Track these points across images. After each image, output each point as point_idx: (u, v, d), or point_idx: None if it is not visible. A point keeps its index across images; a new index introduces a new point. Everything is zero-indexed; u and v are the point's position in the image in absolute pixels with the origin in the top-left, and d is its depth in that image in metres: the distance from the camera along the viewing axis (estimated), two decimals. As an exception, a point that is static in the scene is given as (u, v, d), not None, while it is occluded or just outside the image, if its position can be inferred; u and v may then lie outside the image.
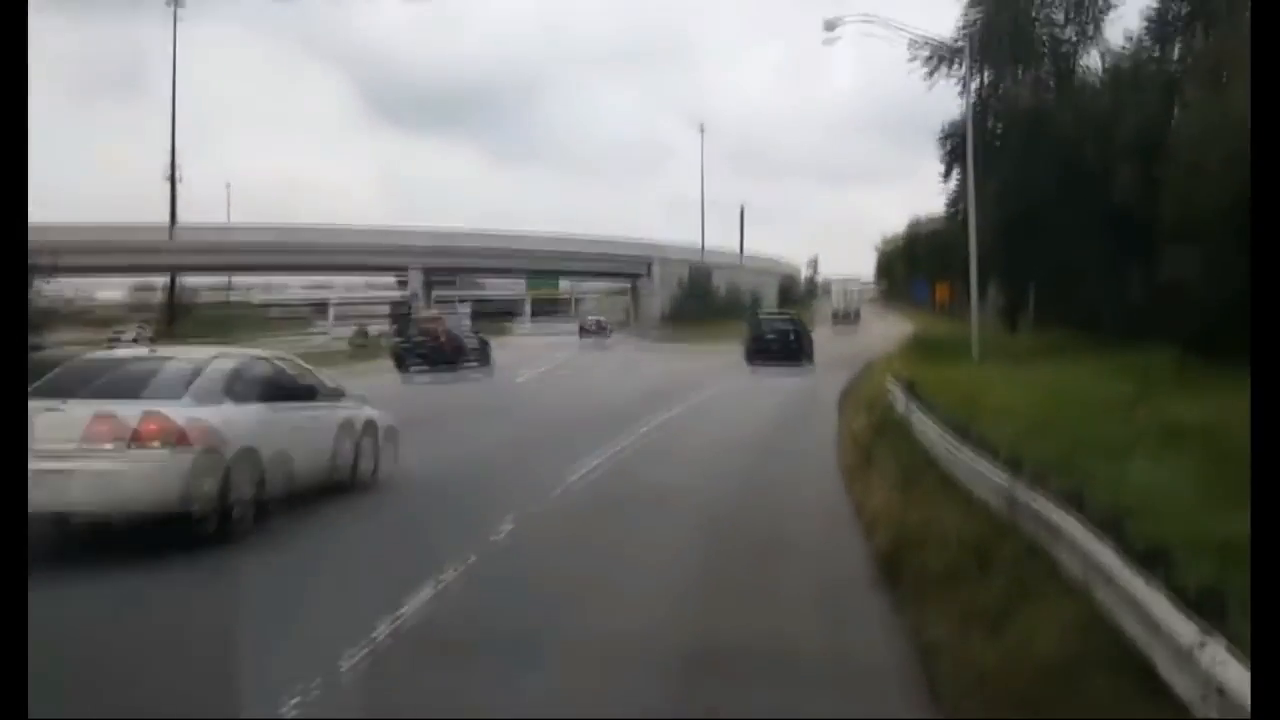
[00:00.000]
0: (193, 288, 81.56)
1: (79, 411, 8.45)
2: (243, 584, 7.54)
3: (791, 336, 38.83)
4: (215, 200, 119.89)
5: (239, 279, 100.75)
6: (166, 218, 69.58)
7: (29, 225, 5.96)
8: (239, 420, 9.25)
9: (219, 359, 10.03)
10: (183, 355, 10.31)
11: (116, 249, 61.18)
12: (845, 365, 32.63)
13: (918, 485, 9.97)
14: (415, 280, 70.67)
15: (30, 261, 15.93)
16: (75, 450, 8.19)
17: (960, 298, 52.26)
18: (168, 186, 70.69)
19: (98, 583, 7.43)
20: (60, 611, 6.35)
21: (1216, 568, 6.59)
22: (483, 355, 37.16)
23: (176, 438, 8.46)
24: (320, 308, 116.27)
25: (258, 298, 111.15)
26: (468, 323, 45.39)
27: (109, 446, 8.27)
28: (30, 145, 5.58)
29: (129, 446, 8.29)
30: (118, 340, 32.91)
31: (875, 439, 13.46)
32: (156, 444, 8.38)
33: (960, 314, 50.76)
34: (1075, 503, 6.48)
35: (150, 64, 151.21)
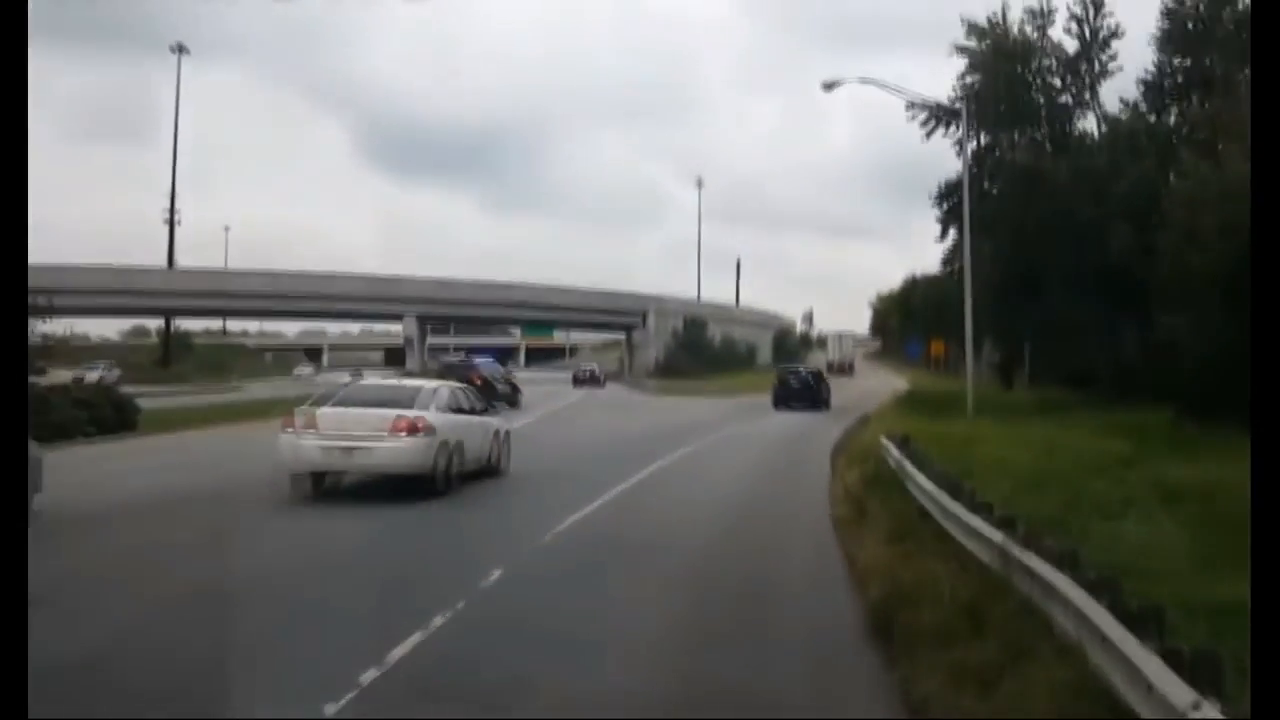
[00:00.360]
0: (186, 331, 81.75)
1: (376, 412, 14.46)
2: (462, 512, 13.44)
3: (811, 382, 43.60)
4: (214, 244, 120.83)
5: (234, 322, 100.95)
6: (164, 260, 69.92)
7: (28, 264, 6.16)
8: (450, 423, 15.06)
9: (440, 387, 16.48)
10: (417, 383, 17.36)
11: (114, 290, 61.33)
12: (840, 418, 32.68)
13: (911, 540, 9.93)
14: (410, 327, 70.73)
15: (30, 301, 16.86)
16: (373, 435, 14.03)
17: (955, 354, 52.50)
18: (166, 229, 71.22)
19: (387, 510, 13.12)
20: (370, 524, 12.15)
21: (1211, 630, 6.57)
22: (512, 398, 39.92)
23: (427, 429, 14.28)
24: (314, 352, 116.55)
25: (252, 341, 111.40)
26: (501, 369, 47.26)
27: (402, 433, 14.08)
28: (30, 186, 5.74)
29: (407, 435, 14.09)
30: (82, 379, 33.22)
31: (868, 492, 13.42)
32: (420, 433, 14.20)
33: (955, 370, 50.93)
34: (1069, 562, 6.46)
35: (153, 108, 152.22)
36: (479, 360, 48.46)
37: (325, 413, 14.44)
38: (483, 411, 17.15)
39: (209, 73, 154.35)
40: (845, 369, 75.12)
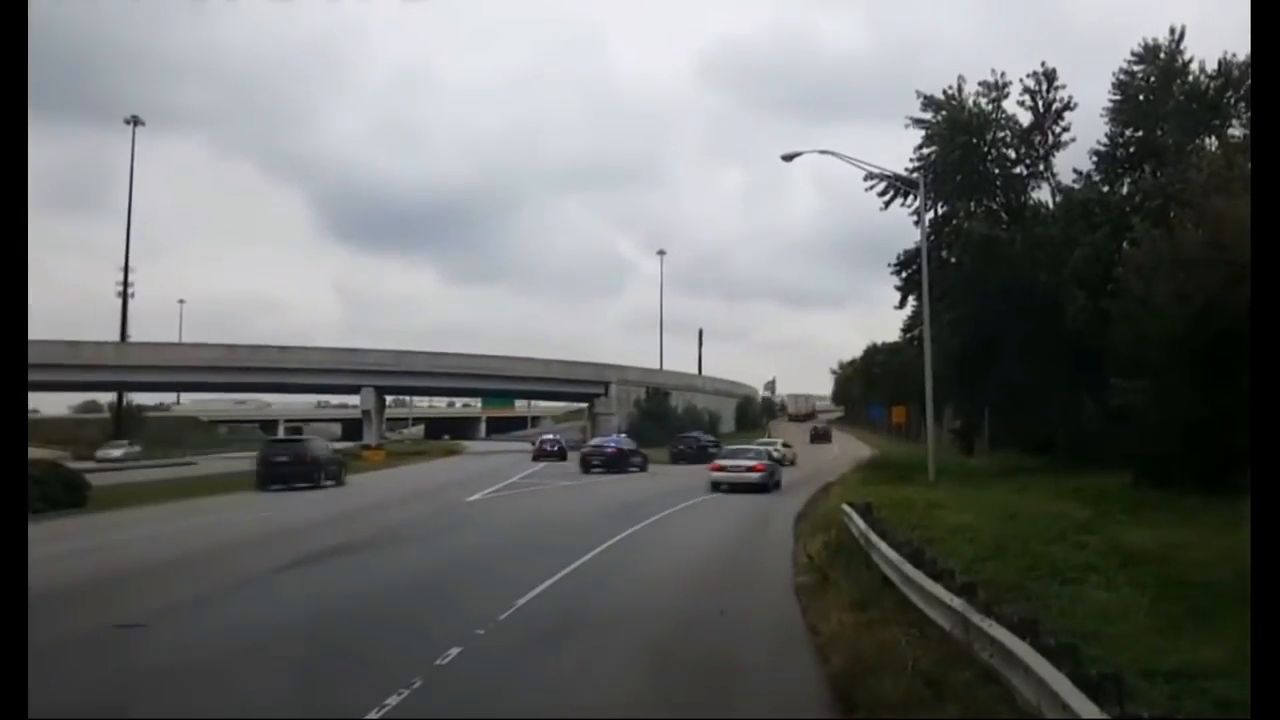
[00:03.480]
0: (138, 405, 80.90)
1: (742, 461, 34.29)
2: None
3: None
4: (168, 317, 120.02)
5: (188, 396, 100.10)
6: (117, 334, 69.45)
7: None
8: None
9: (768, 445, 42.95)
10: (757, 445, 42.62)
11: (65, 365, 60.62)
12: (802, 486, 32.84)
13: (874, 608, 9.97)
14: (369, 399, 70.32)
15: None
16: (746, 469, 33.28)
17: (916, 420, 52.98)
18: (119, 303, 70.87)
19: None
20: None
21: (1170, 694, 6.66)
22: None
23: (768, 467, 33.95)
24: (269, 425, 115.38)
25: (205, 414, 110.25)
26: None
27: (757, 468, 33.39)
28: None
29: (759, 469, 33.29)
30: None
31: (832, 561, 13.45)
32: (764, 469, 33.59)
33: (917, 436, 51.33)
34: (1028, 629, 6.53)
35: (107, 181, 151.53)
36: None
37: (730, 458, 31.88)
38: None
39: (165, 145, 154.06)
40: (821, 435, 77.06)
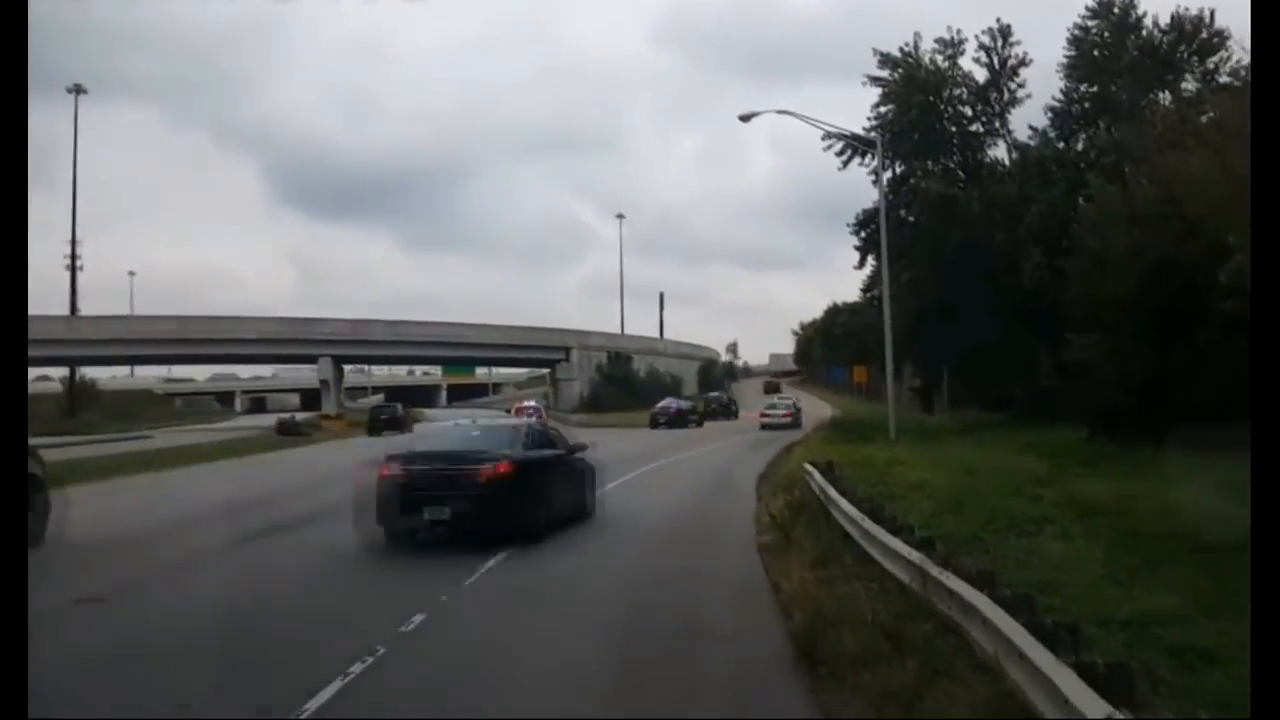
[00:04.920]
0: (92, 379, 79.80)
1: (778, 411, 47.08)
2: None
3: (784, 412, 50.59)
4: (119, 291, 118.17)
5: (141, 369, 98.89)
6: (67, 308, 68.33)
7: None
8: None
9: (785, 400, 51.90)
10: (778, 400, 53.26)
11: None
12: (766, 445, 33.06)
13: (835, 564, 10.07)
14: (326, 368, 69.81)
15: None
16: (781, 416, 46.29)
17: (877, 380, 53.57)
18: (68, 276, 69.67)
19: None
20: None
21: (1125, 642, 6.79)
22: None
23: (794, 415, 48.34)
24: (226, 396, 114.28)
25: (160, 388, 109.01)
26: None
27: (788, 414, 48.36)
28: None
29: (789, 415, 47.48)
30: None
31: (794, 519, 13.55)
32: (793, 415, 48.12)
33: (878, 395, 51.95)
34: (986, 581, 6.62)
35: (52, 151, 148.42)
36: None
37: None
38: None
39: (111, 114, 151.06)
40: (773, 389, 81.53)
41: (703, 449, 33.67)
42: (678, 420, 52.51)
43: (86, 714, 6.12)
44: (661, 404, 56.77)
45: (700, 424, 54.15)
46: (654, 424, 51.49)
